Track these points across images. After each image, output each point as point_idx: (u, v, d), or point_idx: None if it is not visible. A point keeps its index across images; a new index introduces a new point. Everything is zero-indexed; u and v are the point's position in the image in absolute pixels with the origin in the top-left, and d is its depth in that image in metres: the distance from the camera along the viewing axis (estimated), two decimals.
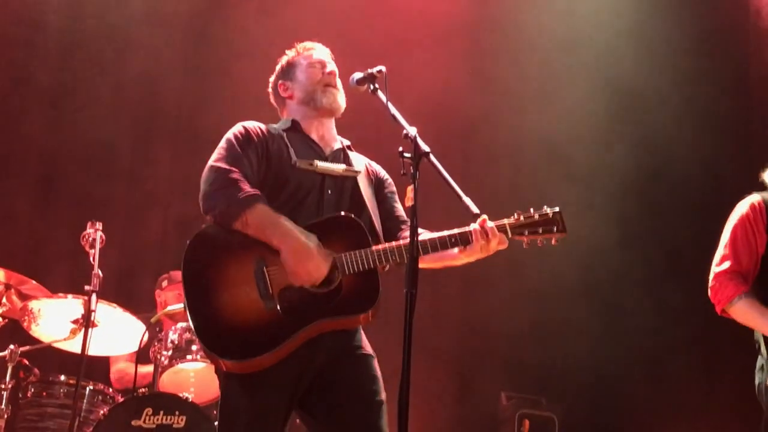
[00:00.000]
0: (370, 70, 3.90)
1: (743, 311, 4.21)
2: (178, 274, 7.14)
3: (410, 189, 3.43)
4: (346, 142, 4.19)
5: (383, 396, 3.79)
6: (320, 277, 3.64)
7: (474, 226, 3.70)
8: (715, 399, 7.95)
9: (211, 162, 3.83)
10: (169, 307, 6.24)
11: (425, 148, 3.45)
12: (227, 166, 3.77)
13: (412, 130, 3.51)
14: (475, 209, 3.36)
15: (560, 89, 8.38)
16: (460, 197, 3.40)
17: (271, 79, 4.28)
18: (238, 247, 3.69)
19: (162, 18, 8.00)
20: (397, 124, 3.60)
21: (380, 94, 3.78)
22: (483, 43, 8.48)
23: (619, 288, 8.23)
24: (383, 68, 3.82)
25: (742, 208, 4.37)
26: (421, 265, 3.75)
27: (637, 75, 8.39)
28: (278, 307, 3.62)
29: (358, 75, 3.92)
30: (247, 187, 3.71)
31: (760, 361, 4.25)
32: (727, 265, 4.28)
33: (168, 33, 8.03)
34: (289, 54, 4.24)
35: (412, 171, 3.44)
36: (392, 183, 4.19)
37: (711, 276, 4.34)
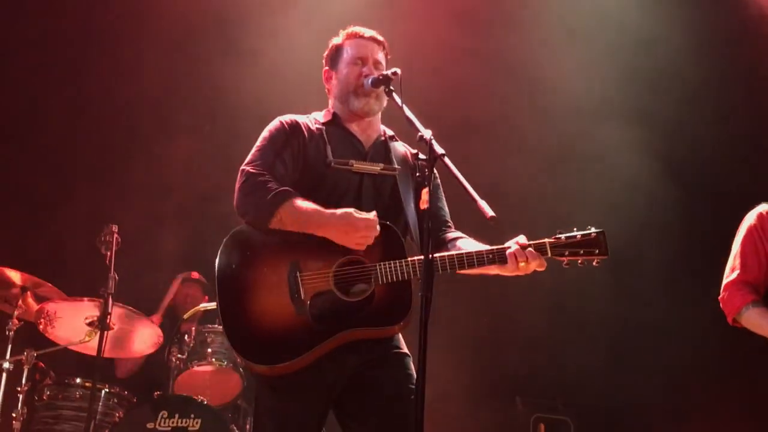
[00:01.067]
0: (385, 72, 3.88)
1: (753, 320, 4.18)
2: (184, 273, 7.21)
3: (425, 192, 3.39)
4: (390, 132, 4.11)
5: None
6: (374, 231, 3.60)
7: (513, 246, 3.64)
8: (730, 404, 7.89)
9: (243, 165, 3.80)
10: (202, 305, 6.26)
11: (440, 150, 3.40)
12: (256, 170, 3.74)
13: (427, 133, 3.45)
14: (489, 212, 3.27)
15: (574, 80, 8.33)
16: (475, 200, 3.35)
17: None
18: (273, 250, 3.68)
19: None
20: (412, 126, 3.57)
21: (395, 96, 3.75)
22: (499, 30, 8.42)
23: (635, 292, 8.20)
24: (398, 70, 3.79)
25: (750, 218, 4.36)
26: (458, 272, 3.73)
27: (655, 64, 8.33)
28: (309, 314, 3.59)
29: (372, 77, 3.90)
30: (274, 187, 3.68)
31: None
32: (735, 275, 4.27)
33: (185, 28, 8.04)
34: (338, 38, 4.13)
35: (427, 173, 3.43)
36: (437, 176, 4.07)
37: (721, 287, 4.32)
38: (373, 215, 3.63)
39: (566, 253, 3.66)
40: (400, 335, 3.84)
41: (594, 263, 3.69)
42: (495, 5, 8.17)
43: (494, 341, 8.37)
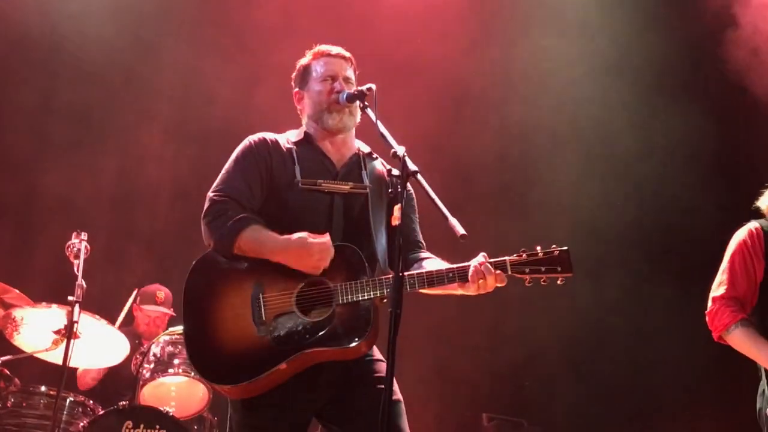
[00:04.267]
0: (359, 88, 3.90)
1: (739, 339, 4.18)
2: (148, 290, 7.13)
3: (397, 208, 3.40)
4: (366, 149, 4.10)
5: (399, 395, 3.74)
6: (329, 254, 3.61)
7: (473, 263, 3.63)
8: (704, 424, 7.95)
9: (210, 191, 3.83)
10: (171, 329, 6.20)
11: (413, 167, 3.43)
12: (219, 196, 3.78)
13: (400, 150, 3.48)
14: (460, 230, 3.31)
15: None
16: (446, 218, 3.37)
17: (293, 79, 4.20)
18: (238, 273, 3.70)
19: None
20: (385, 142, 3.58)
21: (369, 111, 3.77)
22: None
23: (604, 312, 8.25)
24: (373, 86, 3.81)
25: (740, 234, 4.36)
26: (421, 291, 3.73)
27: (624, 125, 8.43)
28: (270, 334, 3.61)
29: (347, 92, 3.92)
30: (232, 215, 3.71)
31: (761, 387, 4.23)
32: (724, 290, 4.26)
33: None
34: (305, 58, 4.14)
35: (399, 190, 3.44)
36: (413, 197, 4.06)
37: (709, 301, 4.33)
38: (326, 238, 3.64)
39: (527, 270, 3.65)
40: (375, 347, 3.84)
41: (558, 281, 3.67)
42: None
43: (461, 357, 8.39)
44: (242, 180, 3.82)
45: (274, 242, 3.66)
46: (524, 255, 3.67)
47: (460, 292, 3.74)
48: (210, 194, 3.82)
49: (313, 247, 3.62)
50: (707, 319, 4.30)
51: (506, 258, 3.67)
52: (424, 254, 4.00)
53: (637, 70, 8.34)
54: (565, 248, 3.68)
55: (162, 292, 7.18)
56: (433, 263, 3.86)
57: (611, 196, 8.35)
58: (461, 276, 3.64)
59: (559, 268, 3.65)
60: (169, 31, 8.17)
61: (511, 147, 8.42)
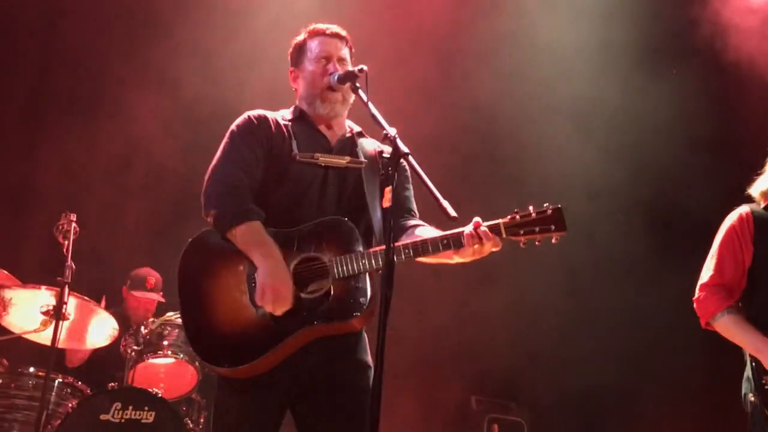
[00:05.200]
0: (351, 68, 3.89)
1: (726, 326, 4.20)
2: (138, 274, 7.09)
3: (388, 190, 3.38)
4: (357, 129, 4.10)
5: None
6: (283, 306, 3.56)
7: (468, 229, 3.61)
8: (686, 410, 7.98)
9: (214, 161, 3.82)
10: (169, 314, 6.19)
11: (404, 149, 3.40)
12: (229, 168, 3.77)
13: (392, 131, 3.45)
14: (452, 212, 3.30)
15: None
16: (437, 199, 3.36)
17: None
18: (232, 252, 3.68)
19: None
20: (377, 123, 3.57)
21: (361, 93, 3.74)
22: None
23: (592, 296, 8.26)
24: (365, 67, 3.78)
25: (730, 219, 4.35)
26: (417, 259, 3.72)
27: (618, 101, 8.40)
28: (268, 313, 3.59)
29: (338, 74, 3.89)
30: (244, 200, 3.71)
31: (746, 372, 4.22)
32: (712, 277, 4.27)
33: None
34: (300, 36, 4.12)
35: (390, 171, 3.42)
36: (405, 168, 4.01)
37: (697, 287, 4.33)
38: (288, 303, 3.57)
39: (521, 232, 3.62)
40: (366, 343, 3.85)
41: (552, 240, 3.63)
42: None
43: (450, 340, 8.39)
44: (246, 152, 3.82)
45: (266, 250, 3.63)
46: (517, 216, 3.63)
47: (455, 259, 3.71)
48: (215, 163, 3.81)
49: (280, 286, 3.56)
50: (695, 306, 4.30)
51: (500, 221, 3.64)
52: (415, 221, 3.99)
53: (630, 43, 8.30)
54: (558, 206, 3.64)
55: (153, 277, 7.14)
56: (426, 231, 3.85)
57: (605, 169, 8.31)
58: (455, 242, 3.62)
59: (553, 227, 3.61)
60: (166, 9, 8.10)
61: (504, 118, 8.36)
